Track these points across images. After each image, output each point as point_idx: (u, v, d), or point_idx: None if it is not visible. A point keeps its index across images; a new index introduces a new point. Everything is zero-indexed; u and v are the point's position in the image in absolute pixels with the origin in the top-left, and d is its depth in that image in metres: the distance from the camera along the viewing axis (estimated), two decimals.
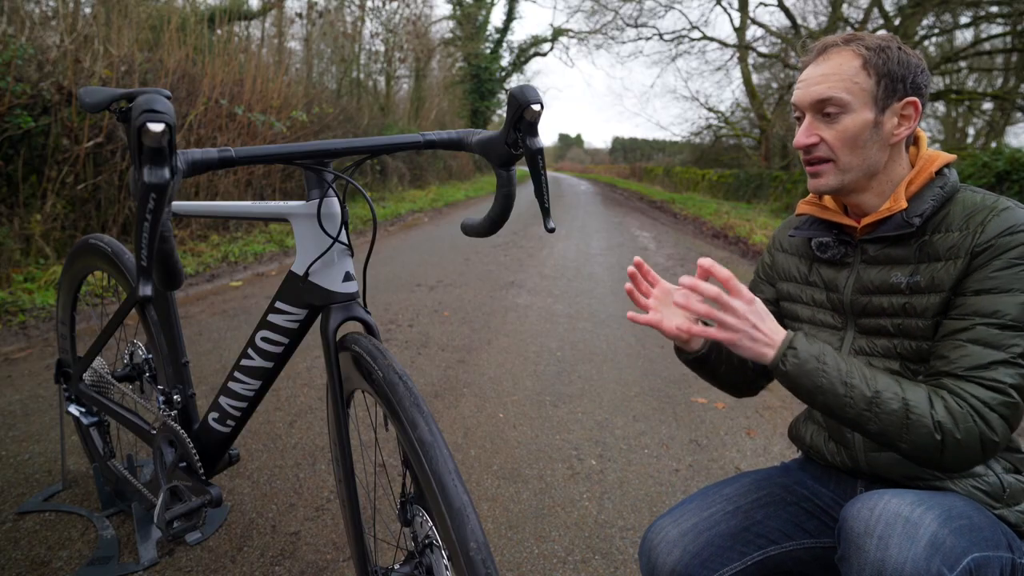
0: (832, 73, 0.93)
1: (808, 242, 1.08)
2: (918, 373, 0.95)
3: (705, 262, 0.86)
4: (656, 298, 1.01)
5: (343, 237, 1.02)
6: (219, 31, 8.29)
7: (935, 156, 0.97)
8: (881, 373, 0.88)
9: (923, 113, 0.96)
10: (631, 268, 1.01)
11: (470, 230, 1.05)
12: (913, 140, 0.99)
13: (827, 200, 1.06)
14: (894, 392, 0.84)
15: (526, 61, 27.43)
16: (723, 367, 1.11)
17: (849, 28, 16.92)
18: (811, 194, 1.06)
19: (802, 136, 0.96)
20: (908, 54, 0.93)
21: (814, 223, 1.06)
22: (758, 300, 0.88)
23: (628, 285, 1.02)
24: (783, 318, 1.14)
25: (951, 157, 0.96)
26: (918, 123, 0.96)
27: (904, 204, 0.94)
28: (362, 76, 15.35)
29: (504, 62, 25.99)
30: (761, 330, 0.86)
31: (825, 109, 0.94)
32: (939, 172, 0.96)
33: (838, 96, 0.92)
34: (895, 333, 0.96)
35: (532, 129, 0.89)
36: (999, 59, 15.43)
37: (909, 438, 0.82)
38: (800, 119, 0.99)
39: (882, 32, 1.09)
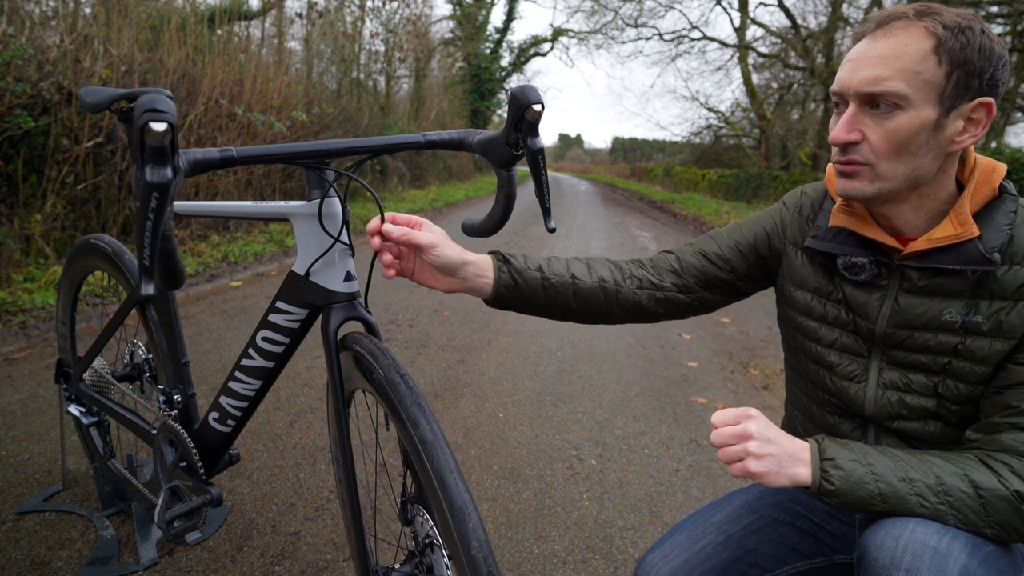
0: (893, 56, 0.73)
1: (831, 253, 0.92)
2: (957, 414, 0.84)
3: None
4: None
5: (344, 237, 1.02)
6: (219, 31, 8.29)
7: (991, 165, 0.80)
8: (927, 454, 0.77)
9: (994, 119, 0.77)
10: None
11: (470, 230, 1.05)
12: None
13: (861, 208, 0.87)
14: (953, 471, 0.74)
15: (526, 61, 27.45)
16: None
17: (849, 29, 15.79)
18: (839, 199, 0.90)
19: (841, 131, 0.78)
20: (992, 41, 0.73)
21: (840, 234, 0.88)
22: (753, 415, 0.78)
23: None
24: (797, 334, 0.99)
25: (1004, 166, 0.81)
26: (986, 130, 0.77)
27: (976, 231, 0.76)
28: (362, 76, 15.34)
29: (504, 62, 26.03)
30: (777, 442, 0.76)
31: (875, 101, 0.75)
32: (1002, 188, 0.79)
33: (895, 88, 0.73)
34: (938, 371, 0.83)
35: (533, 129, 0.89)
36: None
37: (992, 519, 0.72)
38: (839, 105, 0.80)
39: (964, 8, 0.80)
